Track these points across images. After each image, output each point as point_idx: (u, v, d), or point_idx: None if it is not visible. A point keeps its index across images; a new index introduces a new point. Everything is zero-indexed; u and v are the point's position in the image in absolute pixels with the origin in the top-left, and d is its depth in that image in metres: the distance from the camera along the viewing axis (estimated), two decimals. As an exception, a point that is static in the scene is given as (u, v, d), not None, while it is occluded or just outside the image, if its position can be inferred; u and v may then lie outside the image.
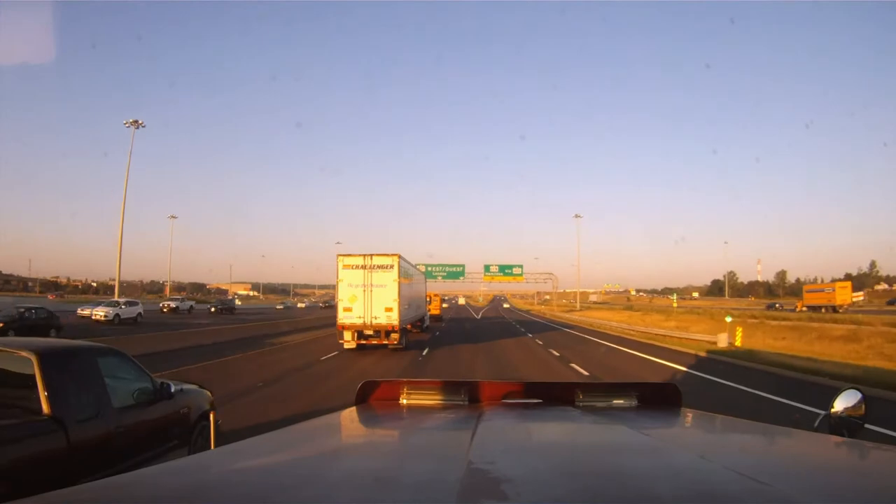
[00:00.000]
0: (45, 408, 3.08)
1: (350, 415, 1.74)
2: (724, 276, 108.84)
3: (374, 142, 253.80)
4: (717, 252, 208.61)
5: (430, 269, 53.48)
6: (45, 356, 3.24)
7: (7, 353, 3.34)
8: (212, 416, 2.80)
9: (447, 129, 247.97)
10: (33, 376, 3.13)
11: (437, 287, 46.88)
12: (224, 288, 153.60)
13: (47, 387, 3.12)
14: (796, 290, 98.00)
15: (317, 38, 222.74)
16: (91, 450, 3.26)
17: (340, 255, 17.33)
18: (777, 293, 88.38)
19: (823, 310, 46.81)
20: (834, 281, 62.02)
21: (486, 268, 61.41)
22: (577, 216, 66.81)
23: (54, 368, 3.24)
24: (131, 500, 0.85)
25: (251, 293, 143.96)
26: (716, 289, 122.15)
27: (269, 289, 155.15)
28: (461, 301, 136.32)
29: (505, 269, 61.52)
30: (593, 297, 66.97)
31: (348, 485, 0.92)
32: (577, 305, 64.85)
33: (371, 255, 17.13)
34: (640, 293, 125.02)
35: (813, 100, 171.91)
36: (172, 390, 4.15)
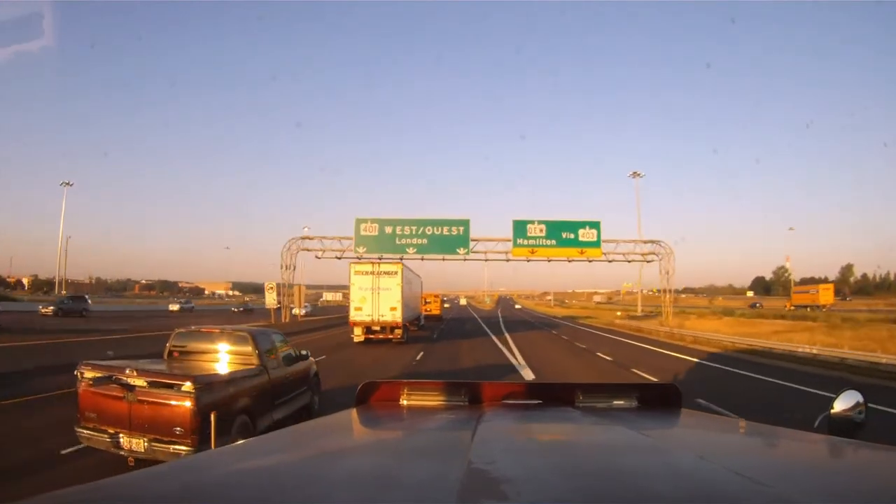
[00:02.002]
0: (256, 361, 6.82)
1: (350, 416, 1.93)
2: (787, 271, 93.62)
3: (373, 141, 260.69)
4: (725, 252, 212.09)
5: (392, 231, 29.50)
6: (253, 334, 7.01)
7: (233, 332, 7.10)
8: (212, 416, 3.01)
9: (447, 129, 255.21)
10: (249, 344, 6.86)
11: (425, 273, 34.77)
12: (202, 286, 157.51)
13: (256, 350, 6.86)
14: (865, 287, 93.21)
15: (317, 38, 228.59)
16: (278, 385, 7.01)
17: (352, 262, 21.94)
18: (843, 291, 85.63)
19: (808, 308, 53.48)
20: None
21: (520, 229, 29.61)
22: (635, 174, 47.04)
23: (258, 340, 7.01)
24: (131, 500, 0.93)
25: (232, 292, 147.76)
26: (759, 287, 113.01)
27: (252, 288, 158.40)
28: (462, 301, 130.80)
29: (561, 232, 29.54)
30: (597, 299, 68.52)
31: (349, 485, 1.03)
32: (672, 309, 35.02)
33: (379, 263, 22.07)
34: (658, 294, 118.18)
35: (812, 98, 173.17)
36: (307, 355, 7.97)
